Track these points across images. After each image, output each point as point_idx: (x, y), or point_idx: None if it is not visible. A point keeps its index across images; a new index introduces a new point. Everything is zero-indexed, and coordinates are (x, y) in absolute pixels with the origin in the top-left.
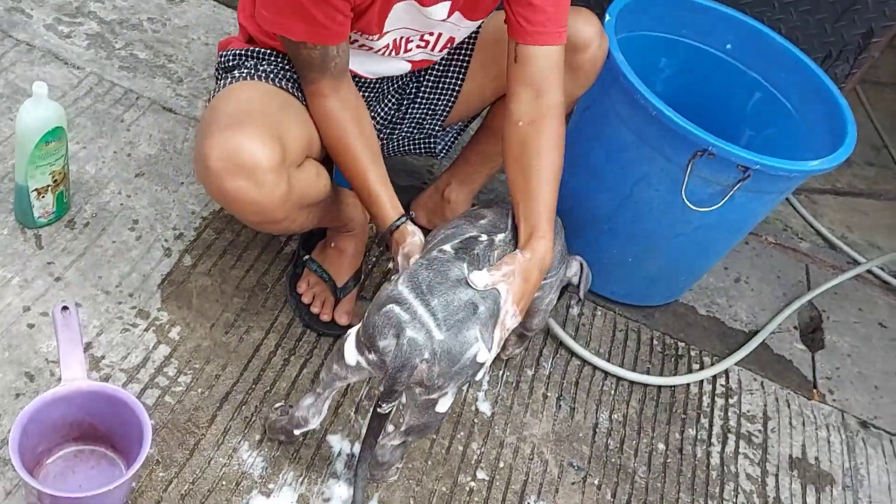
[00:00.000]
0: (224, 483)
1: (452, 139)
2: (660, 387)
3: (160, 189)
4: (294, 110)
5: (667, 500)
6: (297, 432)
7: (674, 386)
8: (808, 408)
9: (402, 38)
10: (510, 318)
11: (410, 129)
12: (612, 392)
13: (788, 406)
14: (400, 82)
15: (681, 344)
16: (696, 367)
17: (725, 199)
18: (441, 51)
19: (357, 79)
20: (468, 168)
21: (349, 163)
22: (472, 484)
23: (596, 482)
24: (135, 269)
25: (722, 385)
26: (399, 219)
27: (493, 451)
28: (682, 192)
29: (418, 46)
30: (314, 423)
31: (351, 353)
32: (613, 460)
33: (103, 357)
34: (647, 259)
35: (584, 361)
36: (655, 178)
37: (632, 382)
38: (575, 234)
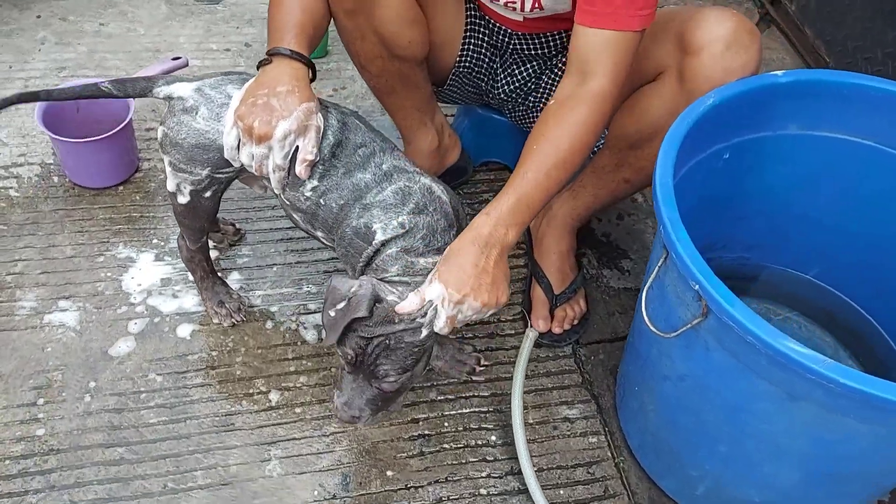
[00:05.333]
0: None
1: None
2: None
3: None
4: None
5: None
6: None
7: None
8: None
9: None
10: (454, 309)
11: (538, 99)
12: None
13: None
14: (534, 47)
15: None
16: None
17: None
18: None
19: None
20: (580, 178)
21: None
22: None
23: None
24: None
25: None
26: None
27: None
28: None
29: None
30: None
31: None
32: None
33: None
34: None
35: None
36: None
37: None
38: None
